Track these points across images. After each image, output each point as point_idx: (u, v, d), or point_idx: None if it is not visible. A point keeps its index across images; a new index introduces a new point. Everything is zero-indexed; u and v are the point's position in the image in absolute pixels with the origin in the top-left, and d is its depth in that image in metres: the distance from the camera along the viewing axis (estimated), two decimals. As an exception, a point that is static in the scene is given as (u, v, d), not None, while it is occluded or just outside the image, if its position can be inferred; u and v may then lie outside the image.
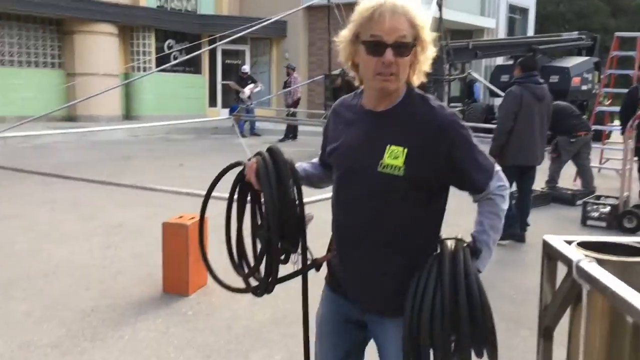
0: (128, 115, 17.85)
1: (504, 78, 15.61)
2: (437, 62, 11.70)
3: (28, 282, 4.46)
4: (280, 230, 1.82)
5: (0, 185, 8.02)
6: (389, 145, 1.72)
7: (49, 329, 3.67)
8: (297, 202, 1.85)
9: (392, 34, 1.65)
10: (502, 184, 1.79)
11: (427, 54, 1.74)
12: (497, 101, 16.05)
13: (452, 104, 11.42)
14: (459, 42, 14.43)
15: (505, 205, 1.80)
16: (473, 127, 13.00)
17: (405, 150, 1.70)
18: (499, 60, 20.34)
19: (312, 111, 16.04)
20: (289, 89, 15.37)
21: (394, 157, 1.71)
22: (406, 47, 1.68)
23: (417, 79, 1.78)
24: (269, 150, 1.89)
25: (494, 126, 12.53)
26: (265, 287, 1.93)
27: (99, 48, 16.62)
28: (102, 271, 4.75)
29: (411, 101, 1.76)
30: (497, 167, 1.80)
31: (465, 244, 1.71)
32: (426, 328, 1.59)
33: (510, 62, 17.17)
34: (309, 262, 1.92)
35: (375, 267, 1.79)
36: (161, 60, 16.89)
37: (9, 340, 3.50)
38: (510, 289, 4.68)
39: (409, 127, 1.73)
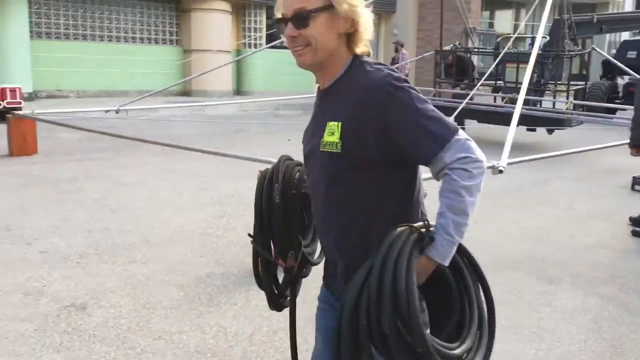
0: (239, 90, 18.38)
1: (631, 54, 14.46)
2: (557, 37, 10.99)
3: (148, 247, 4.71)
4: (265, 237, 1.84)
5: (123, 155, 8.54)
6: (328, 122, 1.59)
7: (168, 291, 3.86)
8: (283, 207, 1.82)
9: (290, 6, 1.57)
10: (464, 156, 1.48)
11: (362, 20, 1.59)
12: (623, 79, 14.93)
13: (572, 82, 10.69)
14: (581, 16, 13.48)
15: (471, 181, 1.47)
16: (594, 107, 12.16)
17: (340, 124, 1.56)
18: (625, 35, 18.84)
19: (420, 88, 15.70)
20: (397, 65, 15.10)
21: (331, 132, 1.57)
22: (305, 17, 1.56)
23: (359, 48, 1.62)
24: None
25: (617, 106, 11.66)
26: (272, 303, 1.97)
27: (214, 25, 17.17)
28: (216, 240, 4.93)
29: (351, 71, 1.62)
30: (460, 136, 1.50)
31: (417, 231, 1.49)
32: (346, 322, 1.43)
33: (639, 37, 15.88)
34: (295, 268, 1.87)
35: (339, 256, 1.66)
36: (271, 37, 17.18)
37: (133, 300, 3.71)
38: (638, 280, 4.34)
39: (344, 98, 1.58)
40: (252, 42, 17.81)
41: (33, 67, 14.44)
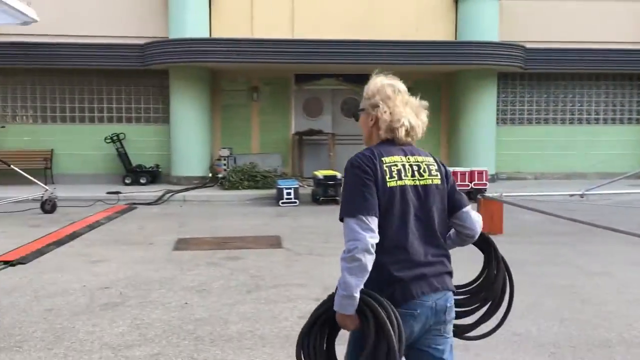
0: None
1: None
2: None
3: (627, 348, 4.30)
4: None
5: (586, 241, 8.22)
6: None
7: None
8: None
9: None
10: (345, 236, 2.04)
11: (379, 113, 2.20)
12: None
13: None
14: None
15: (344, 255, 2.01)
16: None
17: None
18: None
19: None
20: None
21: None
22: (355, 116, 2.37)
23: (383, 134, 2.23)
24: None
25: None
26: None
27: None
28: None
29: None
30: (351, 219, 2.02)
31: None
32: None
33: None
34: None
35: None
36: None
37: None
38: None
39: None
40: None
41: (496, 150, 15.53)
